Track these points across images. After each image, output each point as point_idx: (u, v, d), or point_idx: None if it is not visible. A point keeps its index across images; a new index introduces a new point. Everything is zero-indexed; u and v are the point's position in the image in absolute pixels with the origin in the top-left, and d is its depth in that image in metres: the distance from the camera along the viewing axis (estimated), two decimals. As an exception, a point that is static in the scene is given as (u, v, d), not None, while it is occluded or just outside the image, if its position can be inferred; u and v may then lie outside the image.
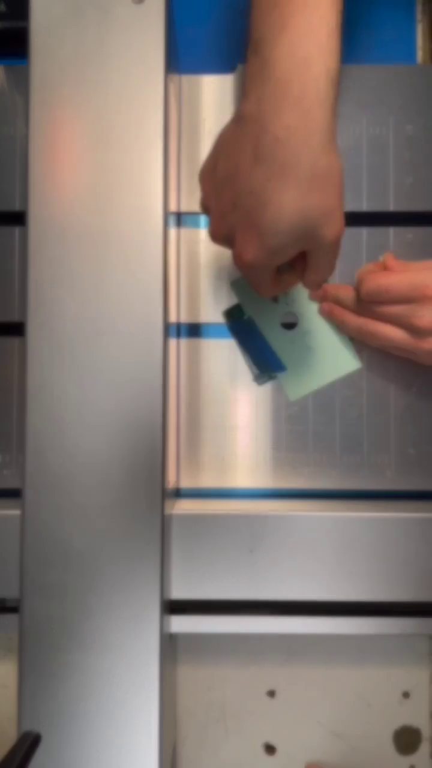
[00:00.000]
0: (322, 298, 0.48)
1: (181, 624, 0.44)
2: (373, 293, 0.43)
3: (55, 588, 0.37)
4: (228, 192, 0.33)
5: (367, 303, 0.44)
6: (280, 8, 0.31)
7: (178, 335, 0.49)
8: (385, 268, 0.45)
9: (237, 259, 0.34)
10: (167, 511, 0.39)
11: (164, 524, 0.38)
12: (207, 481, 0.49)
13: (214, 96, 0.50)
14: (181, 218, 0.49)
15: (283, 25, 0.31)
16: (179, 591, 0.42)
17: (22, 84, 0.49)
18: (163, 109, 0.38)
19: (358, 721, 0.49)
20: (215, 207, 0.35)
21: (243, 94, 0.34)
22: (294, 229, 0.32)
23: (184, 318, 0.49)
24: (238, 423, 0.49)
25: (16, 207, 0.49)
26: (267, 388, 0.49)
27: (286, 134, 0.30)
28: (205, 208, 0.37)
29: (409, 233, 0.49)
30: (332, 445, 0.48)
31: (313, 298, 0.48)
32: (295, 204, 0.31)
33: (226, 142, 0.35)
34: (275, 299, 0.49)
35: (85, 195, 0.38)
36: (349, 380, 0.49)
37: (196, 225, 0.49)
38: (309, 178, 0.31)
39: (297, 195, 0.31)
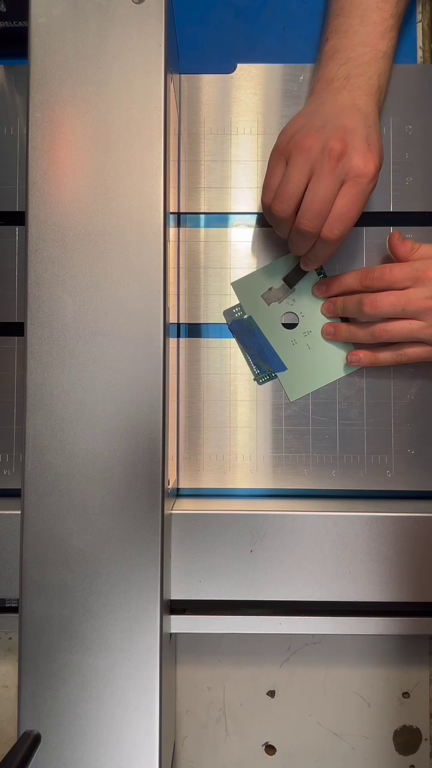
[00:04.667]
0: (333, 312, 0.48)
1: (181, 624, 0.44)
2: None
3: (55, 588, 0.37)
4: (333, 126, 0.41)
5: (370, 313, 0.44)
6: (343, 17, 0.45)
7: (178, 335, 0.49)
8: (390, 248, 0.46)
9: (364, 176, 0.40)
10: (167, 511, 0.39)
11: (164, 524, 0.38)
12: (207, 481, 0.49)
13: (214, 96, 0.50)
14: (181, 218, 0.49)
15: (345, 31, 0.45)
16: (179, 591, 0.42)
17: (22, 84, 0.49)
18: (163, 109, 0.38)
19: (358, 721, 0.49)
20: (313, 140, 0.41)
21: (322, 66, 0.45)
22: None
23: (184, 318, 0.49)
24: (238, 423, 0.49)
25: (16, 207, 0.49)
26: (267, 388, 0.49)
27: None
28: (283, 151, 0.43)
29: (409, 233, 0.49)
30: (332, 445, 0.48)
31: (323, 312, 0.48)
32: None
33: (321, 94, 0.44)
34: (279, 300, 0.49)
35: (85, 195, 0.38)
36: (349, 380, 0.49)
37: (196, 225, 0.49)
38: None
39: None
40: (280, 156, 0.42)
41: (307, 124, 0.42)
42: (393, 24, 0.45)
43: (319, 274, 0.49)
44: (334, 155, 0.40)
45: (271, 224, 0.45)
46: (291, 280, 0.49)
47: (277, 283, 0.49)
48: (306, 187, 0.41)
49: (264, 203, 0.44)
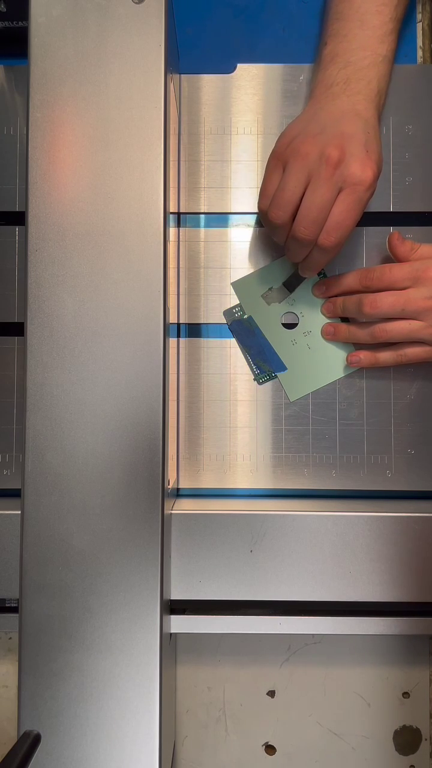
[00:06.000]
0: (333, 312, 0.48)
1: (181, 624, 0.44)
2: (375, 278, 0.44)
3: (55, 588, 0.37)
4: (331, 132, 0.40)
5: (370, 313, 0.44)
6: (342, 21, 0.45)
7: (178, 335, 0.49)
8: (390, 248, 0.46)
9: (362, 183, 0.40)
10: (167, 511, 0.39)
11: (164, 524, 0.38)
12: (207, 481, 0.48)
13: (214, 96, 0.50)
14: (181, 218, 0.49)
15: (344, 35, 0.44)
16: (179, 591, 0.42)
17: (22, 84, 0.49)
18: (163, 109, 0.38)
19: (358, 721, 0.49)
20: (311, 146, 0.40)
21: (321, 70, 0.45)
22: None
23: (184, 318, 0.49)
24: (238, 423, 0.49)
25: (16, 207, 0.49)
26: (267, 388, 0.49)
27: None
28: (281, 156, 0.42)
29: (409, 233, 0.49)
30: (332, 445, 0.48)
31: (324, 312, 0.48)
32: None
33: (320, 99, 0.44)
34: (279, 301, 0.49)
35: (85, 195, 0.38)
36: (349, 380, 0.49)
37: (196, 225, 0.49)
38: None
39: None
40: (278, 161, 0.42)
41: (305, 130, 0.41)
42: (393, 28, 0.45)
43: (318, 275, 0.49)
44: (331, 162, 0.39)
45: (268, 230, 0.45)
46: (290, 285, 0.49)
47: (277, 283, 0.49)
48: (303, 194, 0.41)
49: (260, 209, 0.44)
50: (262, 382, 0.49)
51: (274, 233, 0.44)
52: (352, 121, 0.41)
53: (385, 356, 0.46)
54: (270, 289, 0.49)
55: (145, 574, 0.37)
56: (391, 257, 0.46)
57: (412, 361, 0.45)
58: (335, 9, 0.46)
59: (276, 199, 0.41)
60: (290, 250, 0.44)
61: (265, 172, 0.43)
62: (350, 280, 0.46)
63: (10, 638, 0.50)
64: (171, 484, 0.44)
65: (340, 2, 0.45)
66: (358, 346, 0.48)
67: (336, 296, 0.48)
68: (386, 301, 0.43)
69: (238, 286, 0.49)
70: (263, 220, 0.44)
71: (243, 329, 0.49)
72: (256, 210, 0.49)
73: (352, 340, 0.47)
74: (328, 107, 0.42)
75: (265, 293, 0.49)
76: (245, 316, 0.49)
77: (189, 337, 0.49)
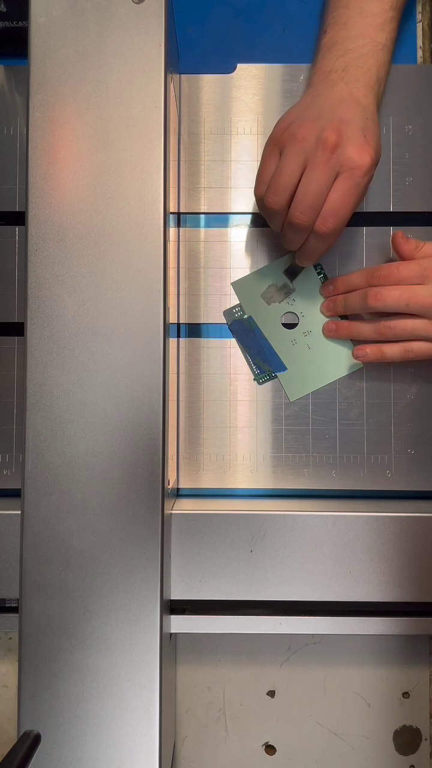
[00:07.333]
0: (333, 310, 0.48)
1: (181, 624, 0.44)
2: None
3: (55, 588, 0.37)
4: (329, 117, 0.40)
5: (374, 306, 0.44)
6: (342, 9, 0.45)
7: (178, 335, 0.49)
8: (394, 247, 0.45)
9: (359, 168, 0.39)
10: (167, 511, 0.39)
11: (164, 524, 0.38)
12: (207, 481, 0.49)
13: (214, 96, 0.50)
14: (181, 218, 0.49)
15: (344, 23, 0.44)
16: (179, 591, 0.43)
17: (22, 84, 0.49)
18: (163, 109, 0.38)
19: (358, 721, 0.49)
20: (308, 130, 0.40)
21: (320, 58, 0.45)
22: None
23: (184, 318, 0.49)
24: (238, 423, 0.49)
25: (16, 207, 0.49)
26: (267, 388, 0.49)
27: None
28: (278, 141, 0.42)
29: (409, 233, 0.49)
30: (332, 445, 0.48)
31: (323, 311, 0.48)
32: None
33: (318, 86, 0.43)
34: (279, 300, 0.49)
35: (85, 195, 0.38)
36: (349, 380, 0.49)
37: (196, 225, 0.49)
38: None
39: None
40: (275, 147, 0.42)
41: (302, 115, 0.41)
42: (392, 16, 0.44)
43: (318, 275, 0.49)
44: (328, 146, 0.39)
45: (264, 217, 0.44)
46: (292, 273, 0.48)
47: (278, 281, 0.49)
48: (300, 179, 0.40)
49: (257, 195, 0.43)
50: (262, 382, 0.49)
51: (271, 220, 0.43)
52: (351, 106, 0.41)
53: (392, 350, 0.45)
54: (269, 286, 0.49)
55: (145, 574, 0.37)
56: (394, 257, 0.46)
57: (419, 356, 0.45)
58: None
59: (272, 185, 0.41)
60: (286, 237, 0.43)
61: (262, 157, 0.43)
62: (357, 279, 0.46)
63: (10, 638, 0.50)
64: (171, 484, 0.44)
65: None
66: (358, 344, 0.48)
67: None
68: (391, 294, 0.43)
69: (238, 286, 0.49)
70: (260, 207, 0.43)
71: (243, 329, 0.49)
72: (256, 210, 0.49)
73: (354, 336, 0.47)
74: (326, 93, 0.42)
75: (264, 292, 0.49)
76: (245, 316, 0.49)
77: (189, 337, 0.49)
